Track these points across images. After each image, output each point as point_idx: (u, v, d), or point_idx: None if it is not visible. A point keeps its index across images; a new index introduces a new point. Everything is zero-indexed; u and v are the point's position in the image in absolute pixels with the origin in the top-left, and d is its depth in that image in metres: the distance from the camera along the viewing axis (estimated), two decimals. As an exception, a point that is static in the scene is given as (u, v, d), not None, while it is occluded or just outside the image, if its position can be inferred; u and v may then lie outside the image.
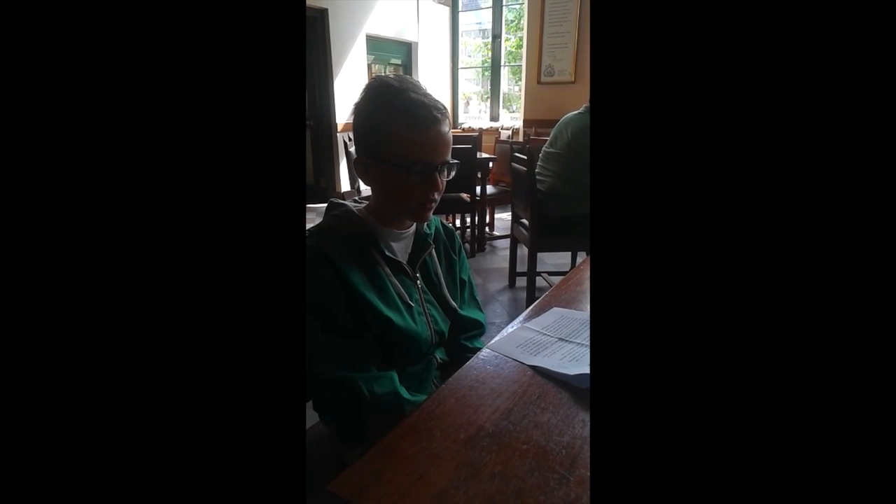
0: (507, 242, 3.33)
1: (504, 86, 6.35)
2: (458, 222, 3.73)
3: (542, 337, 0.81)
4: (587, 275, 1.13)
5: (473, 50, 6.76)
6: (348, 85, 4.90)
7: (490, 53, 6.21)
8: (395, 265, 0.82)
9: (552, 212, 2.30)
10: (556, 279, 2.67)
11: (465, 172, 2.93)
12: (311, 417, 0.81)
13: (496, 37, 6.10)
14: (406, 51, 5.85)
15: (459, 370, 0.71)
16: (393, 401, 0.72)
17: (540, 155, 2.42)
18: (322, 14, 4.69)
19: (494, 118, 6.29)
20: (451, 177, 0.81)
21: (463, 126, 6.25)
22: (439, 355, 0.91)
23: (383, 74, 0.87)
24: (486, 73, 6.39)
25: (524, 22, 5.39)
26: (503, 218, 4.41)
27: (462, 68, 6.53)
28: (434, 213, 0.85)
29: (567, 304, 0.96)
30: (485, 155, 3.63)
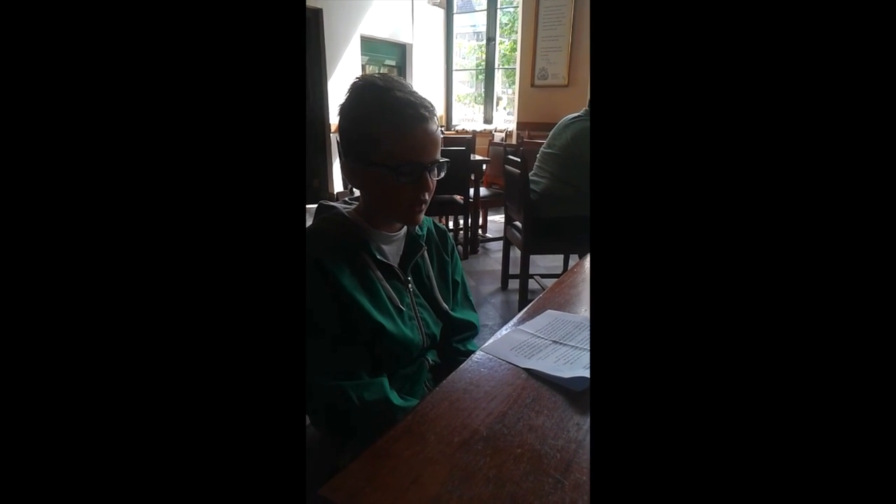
0: (499, 245, 3.33)
1: (498, 88, 6.36)
2: (451, 224, 3.73)
3: (537, 340, 0.81)
4: (581, 277, 1.13)
5: (467, 52, 6.77)
6: (342, 86, 4.83)
7: (484, 56, 6.23)
8: (387, 269, 0.81)
9: (545, 214, 2.30)
10: (549, 282, 2.67)
11: (458, 174, 2.93)
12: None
13: (490, 39, 6.11)
14: (400, 52, 5.85)
15: (453, 373, 0.71)
16: (383, 408, 0.72)
17: (537, 155, 2.43)
18: (316, 14, 4.68)
19: (488, 120, 6.30)
20: (441, 176, 0.80)
21: (456, 128, 6.25)
22: (431, 357, 0.90)
23: (368, 74, 0.86)
24: (481, 76, 6.40)
25: (518, 25, 5.40)
26: (496, 220, 4.41)
27: (456, 70, 6.53)
28: (427, 215, 0.84)
29: (561, 306, 0.95)
30: (478, 157, 3.63)
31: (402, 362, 0.82)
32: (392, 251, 0.84)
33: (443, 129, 5.82)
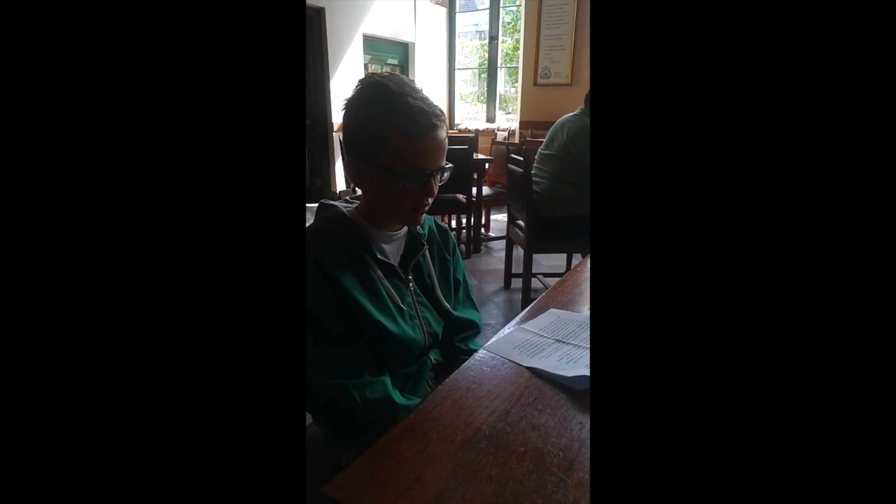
0: (502, 244, 3.33)
1: (500, 87, 6.35)
2: (453, 223, 3.73)
3: (540, 338, 0.81)
4: (584, 276, 1.13)
5: (470, 51, 6.76)
6: (345, 84, 4.89)
7: (487, 55, 6.22)
8: (387, 268, 0.81)
9: (548, 213, 2.30)
10: (552, 281, 2.67)
11: (461, 174, 2.93)
12: (306, 418, 0.81)
13: (493, 38, 6.10)
14: (403, 51, 5.85)
15: (456, 371, 0.71)
16: (385, 406, 0.72)
17: (535, 157, 2.42)
18: (319, 13, 4.68)
19: (490, 119, 6.29)
20: (444, 181, 0.80)
21: (459, 127, 6.25)
22: (433, 356, 0.90)
23: (378, 73, 0.85)
24: (483, 75, 6.39)
25: (521, 24, 5.39)
26: (499, 219, 4.41)
27: (458, 69, 6.53)
28: (429, 214, 0.84)
29: (564, 305, 0.95)
30: (481, 156, 3.63)
31: (405, 361, 0.82)
32: (393, 250, 0.84)
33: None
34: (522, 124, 5.46)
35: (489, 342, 0.79)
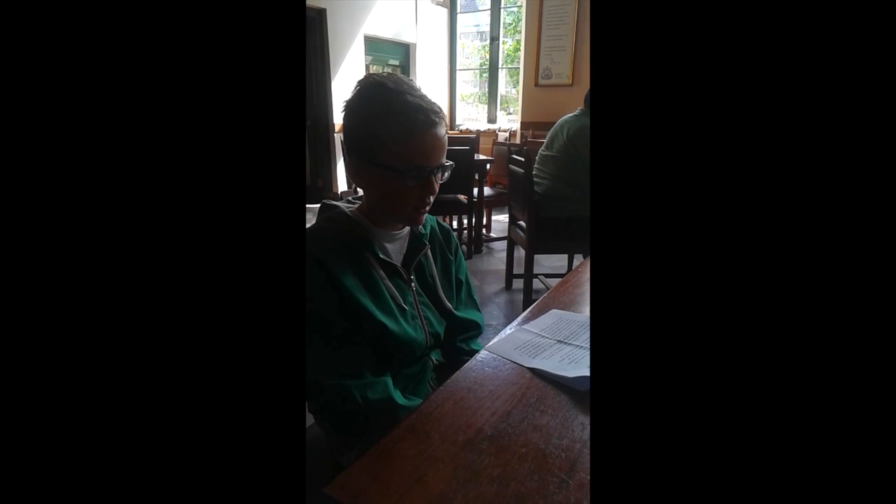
0: (504, 244, 3.33)
1: (502, 88, 6.35)
2: (455, 224, 3.73)
3: (541, 339, 0.81)
4: (585, 277, 1.13)
5: (471, 52, 6.76)
6: (346, 85, 4.89)
7: (488, 55, 6.22)
8: (389, 268, 0.81)
9: (549, 214, 2.30)
10: (553, 281, 2.67)
11: (462, 174, 2.93)
12: (307, 418, 0.81)
13: (494, 39, 6.10)
14: (404, 52, 5.85)
15: (457, 372, 0.71)
16: (387, 407, 0.72)
17: (536, 158, 2.42)
18: (320, 14, 4.69)
19: (492, 120, 6.29)
20: (445, 179, 0.80)
21: (460, 128, 6.25)
22: (435, 357, 0.90)
23: (376, 73, 0.85)
24: (484, 76, 6.39)
25: (522, 25, 5.39)
26: (500, 220, 4.41)
27: (460, 70, 6.53)
28: (431, 214, 0.84)
29: (566, 306, 0.95)
30: (482, 157, 3.63)
31: (406, 361, 0.82)
32: (395, 250, 0.84)
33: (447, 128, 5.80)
34: (524, 125, 5.45)
35: (491, 343, 0.79)
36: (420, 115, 0.72)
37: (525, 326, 0.85)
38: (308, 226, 0.80)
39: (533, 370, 0.71)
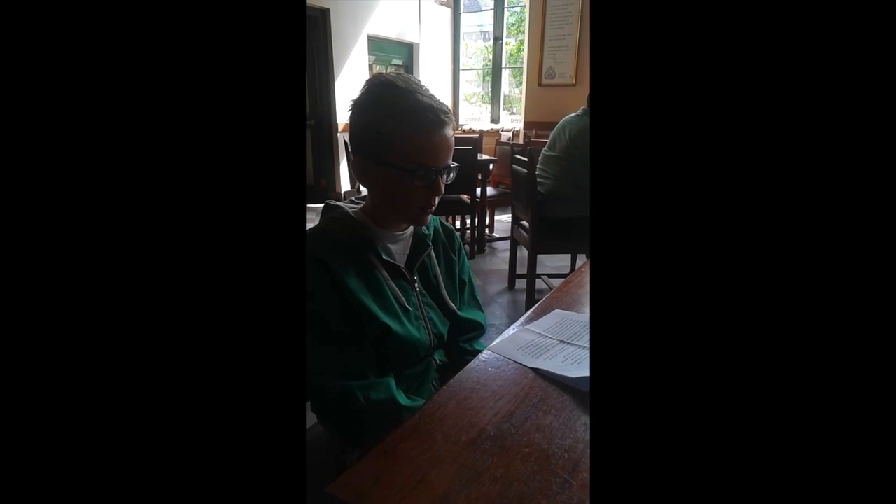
0: (506, 244, 3.33)
1: (505, 88, 6.35)
2: (458, 224, 3.73)
3: (544, 339, 0.81)
4: (588, 277, 1.13)
5: (474, 52, 6.76)
6: (349, 85, 4.90)
7: (491, 55, 6.22)
8: (393, 268, 0.81)
9: (552, 214, 2.30)
10: (556, 281, 2.66)
11: (465, 174, 2.93)
12: (310, 418, 0.81)
13: (497, 39, 6.10)
14: (407, 52, 5.85)
15: (460, 372, 0.71)
16: (390, 407, 0.72)
17: (539, 158, 2.42)
18: (324, 14, 4.69)
19: (495, 120, 6.29)
20: (451, 180, 0.80)
21: (463, 128, 6.25)
22: (438, 357, 0.90)
23: (385, 73, 0.85)
24: (487, 76, 6.39)
25: (525, 25, 5.39)
26: (503, 220, 4.41)
27: (463, 70, 6.53)
28: (433, 214, 0.84)
29: (568, 306, 0.95)
30: (485, 157, 3.63)
31: (410, 362, 0.82)
32: (398, 251, 0.84)
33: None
34: (527, 125, 5.45)
35: (494, 343, 0.79)
36: (429, 115, 0.72)
37: (528, 327, 0.85)
38: (311, 226, 0.80)
39: (536, 370, 0.71)
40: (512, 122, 6.18)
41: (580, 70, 5.05)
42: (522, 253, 2.66)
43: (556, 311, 0.92)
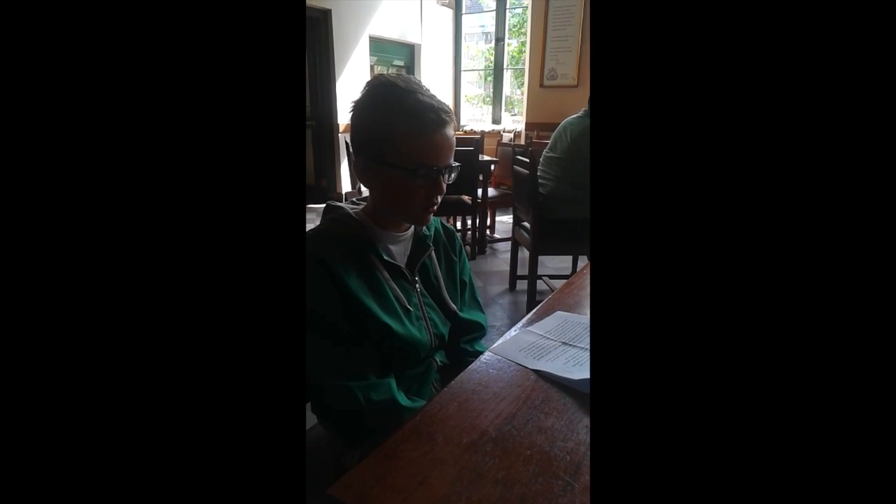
0: (508, 245, 3.32)
1: (506, 89, 6.35)
2: (458, 224, 3.73)
3: (546, 341, 0.80)
4: (589, 279, 1.13)
5: (476, 53, 6.76)
6: (351, 85, 4.90)
7: (493, 57, 6.22)
8: (394, 269, 0.81)
9: (553, 215, 2.30)
10: (557, 283, 2.66)
11: (466, 175, 2.93)
12: (310, 419, 0.80)
13: (499, 40, 6.10)
14: (409, 52, 5.86)
15: (462, 374, 0.70)
16: (390, 408, 0.72)
17: (541, 159, 2.42)
18: (325, 14, 4.69)
19: (496, 121, 6.29)
20: (452, 180, 0.80)
21: (465, 128, 6.25)
22: (439, 358, 0.90)
23: (386, 74, 0.85)
24: (489, 77, 6.39)
25: (527, 26, 5.39)
26: (504, 221, 4.41)
27: (465, 71, 6.53)
28: (435, 215, 0.84)
29: (570, 307, 0.95)
30: (486, 158, 3.63)
31: (411, 363, 0.82)
32: (399, 251, 0.84)
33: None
34: (528, 126, 5.45)
35: (495, 344, 0.79)
36: (430, 115, 0.72)
37: (529, 328, 0.85)
38: (312, 227, 0.80)
39: (537, 372, 0.71)
40: (513, 123, 6.18)
41: (582, 71, 5.04)
42: (523, 254, 2.66)
43: (558, 312, 0.92)
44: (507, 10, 6.04)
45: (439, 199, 0.78)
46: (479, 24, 6.59)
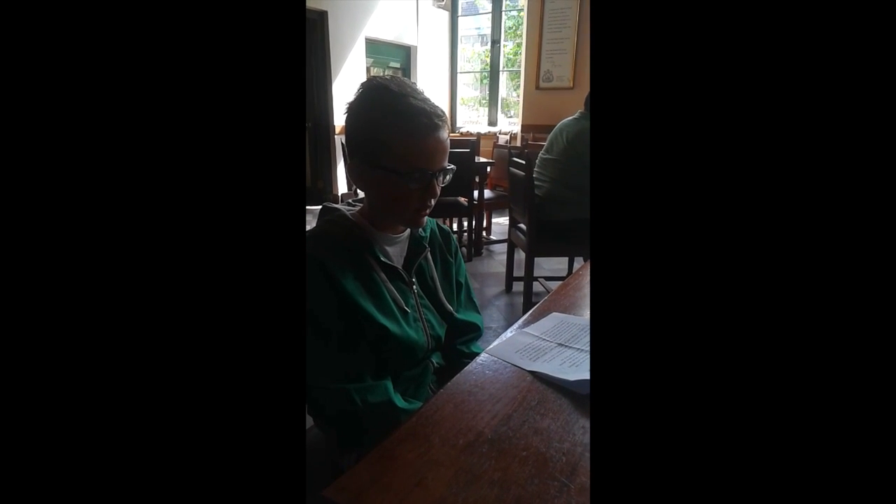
0: (504, 247, 3.33)
1: (502, 91, 6.36)
2: (455, 226, 3.73)
3: (542, 342, 0.81)
4: (586, 280, 1.13)
5: (472, 55, 6.77)
6: (347, 87, 4.90)
7: (489, 58, 6.23)
8: (391, 270, 0.81)
9: (550, 217, 2.30)
10: (553, 284, 2.66)
11: (462, 177, 2.93)
12: (307, 421, 0.80)
13: (495, 42, 6.11)
14: (405, 54, 5.86)
15: (458, 375, 0.70)
16: (387, 410, 0.72)
17: (536, 161, 2.42)
18: (321, 16, 4.70)
19: (492, 123, 6.30)
20: (446, 182, 0.80)
21: (461, 130, 6.26)
22: (436, 360, 0.90)
23: (379, 76, 0.84)
24: (485, 79, 6.40)
25: (523, 28, 5.40)
26: (500, 222, 4.41)
27: (461, 73, 6.54)
28: (430, 216, 0.84)
29: (566, 309, 0.95)
30: (482, 159, 3.63)
31: (407, 364, 0.82)
32: (396, 252, 0.84)
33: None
34: (524, 128, 5.46)
35: (491, 346, 0.79)
36: (423, 119, 0.72)
37: (525, 329, 0.85)
38: (308, 228, 0.80)
39: (533, 373, 0.71)
40: (509, 125, 6.19)
41: (578, 73, 5.06)
42: (520, 256, 2.66)
43: (554, 313, 0.92)
44: (503, 13, 6.06)
45: (433, 202, 0.78)
46: (474, 26, 6.61)
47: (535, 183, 2.31)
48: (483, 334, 0.98)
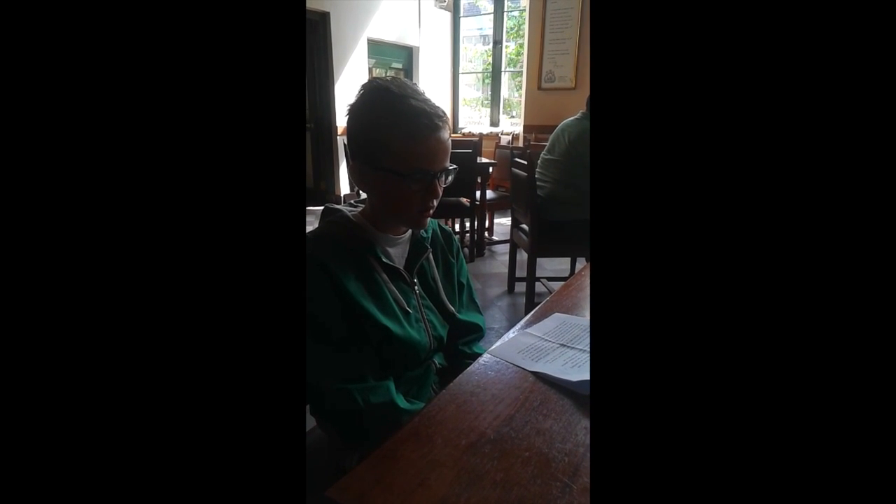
0: (506, 247, 3.33)
1: (504, 91, 6.36)
2: (457, 227, 3.73)
3: (544, 343, 0.81)
4: (588, 280, 1.13)
5: (474, 55, 6.78)
6: (349, 88, 4.91)
7: (491, 59, 6.23)
8: (393, 271, 0.81)
9: (552, 217, 2.30)
10: (556, 285, 2.66)
11: (465, 177, 2.93)
12: (309, 422, 0.80)
13: (497, 42, 6.12)
14: (407, 55, 5.87)
15: (460, 376, 0.71)
16: (389, 411, 0.72)
17: (538, 162, 2.42)
18: (324, 17, 4.70)
19: (494, 123, 6.30)
20: (448, 183, 0.80)
21: (463, 131, 6.26)
22: (438, 360, 0.90)
23: (380, 77, 0.84)
24: (487, 80, 6.41)
25: (525, 28, 5.40)
26: (502, 223, 4.41)
27: (463, 73, 6.54)
28: (433, 217, 0.84)
29: (568, 309, 0.95)
30: (484, 160, 3.63)
31: (410, 365, 0.82)
32: (397, 253, 0.84)
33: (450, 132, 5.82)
34: (526, 128, 5.46)
35: (494, 346, 0.79)
36: (424, 120, 0.72)
37: (528, 330, 0.85)
38: (311, 230, 0.80)
39: (536, 374, 0.71)
40: (511, 125, 6.19)
41: (579, 74, 5.06)
42: (522, 256, 2.66)
43: (556, 314, 0.92)
44: (505, 13, 6.06)
45: (435, 202, 0.78)
46: (476, 26, 6.61)
47: (537, 183, 2.31)
48: (485, 335, 0.98)
